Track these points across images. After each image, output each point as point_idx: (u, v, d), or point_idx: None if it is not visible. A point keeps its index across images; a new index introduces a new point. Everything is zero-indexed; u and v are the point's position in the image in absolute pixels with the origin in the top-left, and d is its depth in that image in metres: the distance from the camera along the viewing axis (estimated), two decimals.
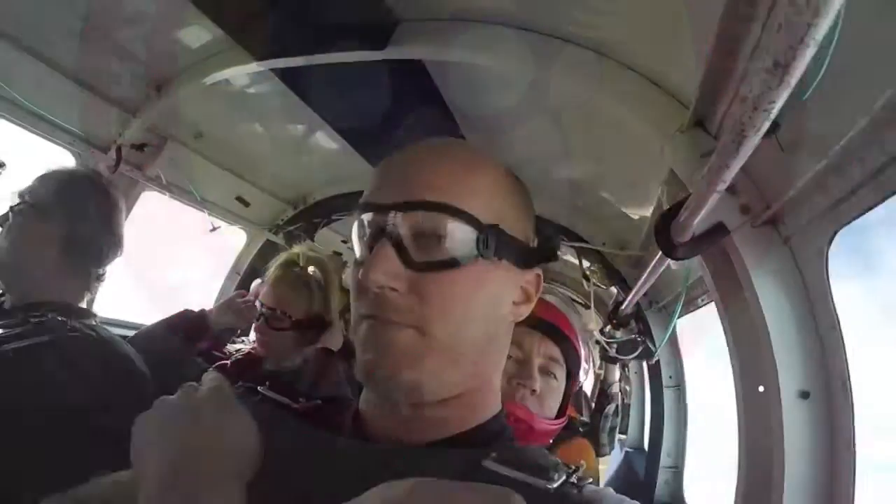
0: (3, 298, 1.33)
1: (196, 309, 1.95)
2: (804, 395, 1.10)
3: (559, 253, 0.74)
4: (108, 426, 1.08)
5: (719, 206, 1.20)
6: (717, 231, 1.21)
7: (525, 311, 0.72)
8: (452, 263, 0.62)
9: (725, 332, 1.37)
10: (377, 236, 0.63)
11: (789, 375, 1.12)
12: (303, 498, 0.60)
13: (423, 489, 0.50)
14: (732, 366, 1.34)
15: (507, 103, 2.02)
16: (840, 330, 1.07)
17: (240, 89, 2.25)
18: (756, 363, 1.21)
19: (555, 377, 1.38)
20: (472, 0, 1.48)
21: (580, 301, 3.39)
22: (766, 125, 0.75)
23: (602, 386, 2.91)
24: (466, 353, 0.64)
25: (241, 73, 1.96)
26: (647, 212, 2.11)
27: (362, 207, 0.66)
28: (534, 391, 1.32)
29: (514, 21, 1.48)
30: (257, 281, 2.24)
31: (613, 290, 2.66)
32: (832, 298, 1.08)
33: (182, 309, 1.92)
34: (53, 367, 1.11)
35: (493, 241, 0.63)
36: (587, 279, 2.51)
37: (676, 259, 1.27)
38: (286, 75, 1.83)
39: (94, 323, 1.30)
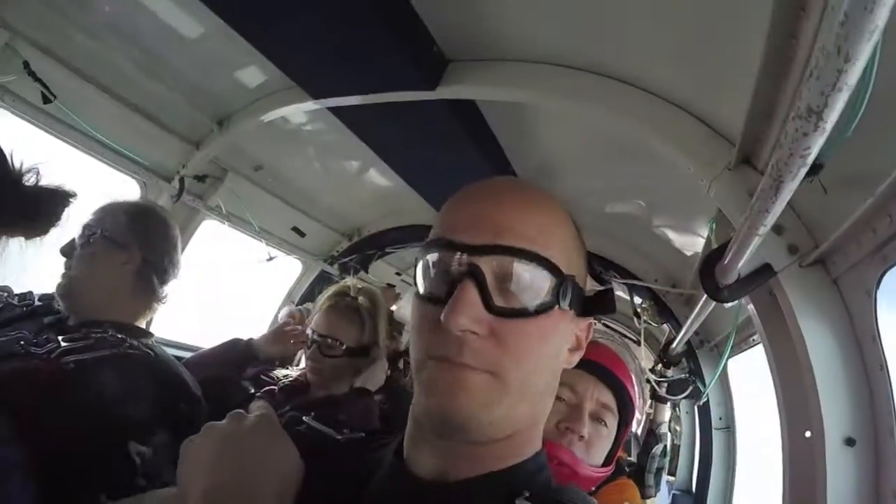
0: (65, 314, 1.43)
1: (245, 338, 2.01)
2: (850, 442, 1.06)
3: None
4: (157, 441, 1.16)
5: (765, 247, 1.19)
6: (764, 272, 1.20)
7: (576, 358, 0.72)
8: (532, 312, 0.62)
9: (772, 375, 1.33)
10: (461, 277, 0.61)
11: (836, 421, 1.08)
12: None
13: None
14: (779, 410, 1.30)
15: (557, 141, 2.07)
16: (888, 371, 1.03)
17: (297, 125, 2.38)
18: (803, 407, 1.17)
19: (605, 424, 1.32)
20: (519, 41, 1.54)
21: (632, 337, 3.32)
22: (803, 171, 0.76)
23: (651, 426, 2.83)
24: (528, 399, 0.64)
25: (299, 111, 2.09)
26: (699, 249, 2.08)
27: (437, 244, 0.65)
28: (581, 437, 1.27)
29: (561, 61, 1.53)
30: (285, 309, 2.28)
31: (665, 327, 2.60)
32: (881, 339, 1.05)
33: (232, 338, 2.00)
34: (110, 380, 1.18)
35: (568, 293, 0.64)
36: (638, 316, 2.47)
37: (721, 301, 1.25)
38: (342, 113, 1.94)
39: (151, 342, 1.39)
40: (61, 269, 1.41)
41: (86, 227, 1.39)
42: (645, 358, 2.65)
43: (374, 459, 0.72)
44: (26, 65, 1.86)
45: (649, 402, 2.85)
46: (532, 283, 0.61)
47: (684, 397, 2.43)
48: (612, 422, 1.33)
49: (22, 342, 1.26)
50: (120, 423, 1.14)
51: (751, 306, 1.39)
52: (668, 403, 2.66)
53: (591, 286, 0.72)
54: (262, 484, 0.63)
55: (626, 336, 3.48)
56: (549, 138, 2.05)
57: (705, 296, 1.59)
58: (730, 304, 1.40)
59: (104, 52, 1.96)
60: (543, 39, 1.51)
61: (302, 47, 1.61)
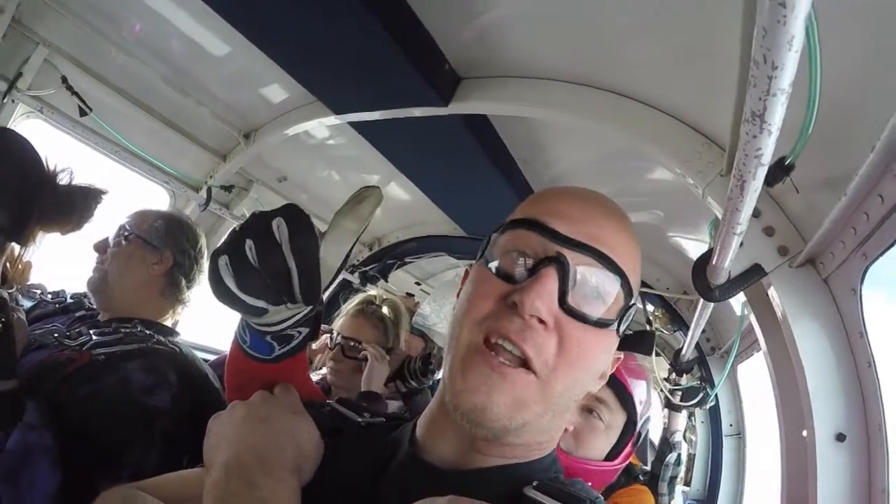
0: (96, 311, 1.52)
1: None
2: (841, 437, 1.09)
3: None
4: (180, 431, 1.22)
5: (756, 248, 1.25)
6: (754, 273, 1.24)
7: (599, 385, 0.72)
8: (600, 324, 0.63)
9: (770, 376, 1.36)
10: (547, 262, 0.61)
11: (827, 417, 1.12)
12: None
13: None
14: (777, 409, 1.33)
15: (569, 154, 2.14)
16: (875, 368, 1.06)
17: (320, 139, 2.51)
18: (799, 406, 1.20)
19: (599, 418, 1.34)
20: (524, 59, 1.63)
21: None
22: (762, 171, 0.82)
23: (665, 434, 2.82)
24: (556, 410, 0.64)
25: (321, 125, 2.21)
26: None
27: (530, 224, 0.65)
28: (566, 429, 1.29)
29: (563, 76, 1.61)
30: None
31: (679, 336, 2.62)
32: (867, 336, 1.08)
33: None
34: (138, 372, 1.24)
35: (628, 319, 0.66)
36: (650, 324, 2.50)
37: (711, 301, 1.30)
38: (361, 127, 2.06)
39: (177, 340, 1.47)
40: (92, 264, 1.49)
41: (122, 227, 1.49)
42: (658, 367, 2.65)
43: (394, 443, 0.74)
44: (64, 79, 2.02)
45: (665, 410, 2.86)
46: (607, 295, 0.63)
47: (694, 404, 2.43)
48: (609, 416, 1.36)
49: (55, 335, 1.34)
50: (145, 413, 1.20)
51: (750, 308, 1.43)
52: (683, 412, 2.66)
53: None
54: (280, 458, 0.65)
55: None
56: (560, 152, 2.12)
57: (701, 302, 1.65)
58: (738, 312, 1.43)
59: (137, 68, 2.10)
60: (546, 57, 1.60)
61: (322, 65, 1.73)
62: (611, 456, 1.39)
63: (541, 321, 0.60)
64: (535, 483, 0.62)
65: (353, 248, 0.78)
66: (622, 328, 0.65)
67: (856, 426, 1.09)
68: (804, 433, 1.19)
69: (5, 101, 1.94)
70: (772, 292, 1.25)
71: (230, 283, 0.66)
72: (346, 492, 0.67)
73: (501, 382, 0.59)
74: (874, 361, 1.08)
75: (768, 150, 0.78)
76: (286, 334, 0.81)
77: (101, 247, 1.49)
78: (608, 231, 0.65)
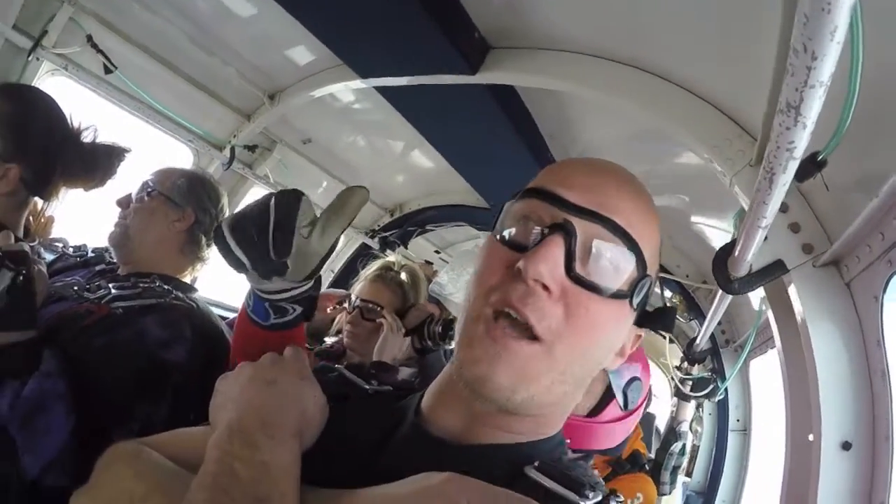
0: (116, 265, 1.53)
1: None
2: (846, 445, 1.07)
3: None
4: (192, 386, 1.22)
5: (781, 243, 1.20)
6: (776, 268, 1.20)
7: (618, 363, 0.71)
8: (608, 292, 0.61)
9: (782, 376, 1.33)
10: (554, 229, 0.60)
11: (835, 424, 1.09)
12: (353, 473, 0.62)
13: (454, 483, 0.54)
14: (785, 409, 1.31)
15: (597, 130, 2.08)
16: (889, 378, 1.03)
17: (345, 102, 2.48)
18: (808, 410, 1.17)
19: None
20: (558, 31, 1.57)
21: (661, 334, 3.30)
22: (792, 164, 0.78)
23: (671, 423, 2.81)
24: (568, 382, 0.63)
25: (347, 89, 2.18)
26: None
27: (538, 193, 0.64)
28: None
29: (598, 52, 1.55)
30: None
31: (694, 325, 2.59)
32: (885, 345, 1.04)
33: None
34: (155, 326, 1.24)
35: (643, 291, 0.64)
36: None
37: (730, 293, 1.27)
38: (387, 92, 2.02)
39: (195, 296, 1.47)
40: (115, 219, 1.50)
41: (145, 183, 1.49)
42: (670, 355, 2.63)
43: (399, 412, 0.74)
44: (89, 38, 2.01)
45: (673, 399, 2.85)
46: (618, 265, 0.61)
47: (704, 395, 2.41)
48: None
49: (75, 287, 1.34)
50: (160, 367, 1.21)
51: (769, 304, 1.39)
52: (692, 402, 2.65)
53: None
54: (283, 421, 0.65)
55: (659, 333, 3.46)
56: (588, 128, 2.07)
57: (720, 292, 1.61)
58: (755, 307, 1.39)
59: (162, 27, 2.08)
60: (581, 30, 1.54)
61: (349, 28, 1.69)
62: (594, 413, 1.38)
63: (545, 288, 0.58)
64: (536, 463, 0.61)
65: (339, 238, 0.89)
66: (636, 301, 0.63)
67: (862, 435, 1.06)
68: (810, 437, 1.17)
69: (30, 58, 1.94)
70: (792, 290, 1.20)
71: (226, 231, 0.80)
72: (347, 459, 0.67)
73: (505, 354, 0.58)
74: (888, 372, 1.04)
75: (801, 144, 0.74)
76: (281, 306, 0.90)
77: (123, 202, 1.49)
78: (620, 199, 0.63)
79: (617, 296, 0.61)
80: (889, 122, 0.94)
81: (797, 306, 1.19)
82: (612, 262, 0.61)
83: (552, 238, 0.59)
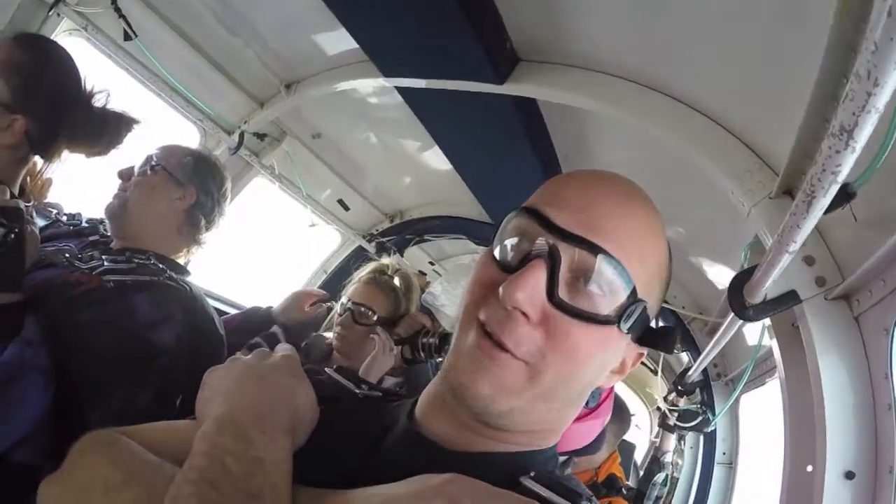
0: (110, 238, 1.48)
1: (265, 305, 2.08)
2: (850, 475, 1.08)
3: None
4: (178, 372, 1.18)
5: (794, 274, 1.23)
6: (789, 297, 1.23)
7: (616, 380, 0.70)
8: (593, 319, 0.59)
9: (784, 406, 1.35)
10: (537, 255, 0.60)
11: (838, 454, 1.10)
12: (344, 474, 0.62)
13: (457, 483, 0.53)
14: (784, 441, 1.32)
15: (609, 154, 2.12)
16: (895, 411, 1.05)
17: (361, 99, 2.46)
18: (808, 440, 1.19)
19: None
20: (590, 50, 1.61)
21: (648, 366, 3.33)
22: (834, 188, 0.81)
23: (655, 453, 2.83)
24: (557, 402, 0.63)
25: (367, 86, 2.17)
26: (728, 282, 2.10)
27: (529, 212, 0.63)
28: None
29: (627, 74, 1.59)
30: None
31: (684, 357, 2.62)
32: (893, 378, 1.07)
33: (252, 305, 2.08)
34: (145, 304, 1.20)
35: (634, 316, 0.62)
36: None
37: (745, 320, 1.29)
38: (408, 94, 2.03)
39: (188, 280, 1.43)
40: (114, 191, 1.45)
41: (150, 157, 1.45)
42: (655, 388, 2.65)
43: (391, 417, 0.73)
44: (113, 0, 1.96)
45: (657, 430, 2.86)
46: (605, 291, 0.60)
47: (691, 427, 2.43)
48: None
49: (67, 254, 1.30)
50: (147, 348, 1.16)
51: (774, 340, 1.42)
52: (675, 435, 2.66)
53: None
54: (276, 418, 0.63)
55: (645, 365, 3.49)
56: (602, 151, 2.11)
57: (726, 323, 1.64)
58: (750, 342, 1.42)
59: (189, 0, 2.05)
60: (612, 51, 1.58)
61: (382, 23, 1.70)
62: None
63: (524, 314, 0.58)
64: (532, 474, 0.61)
65: None
66: (624, 326, 0.61)
67: (866, 465, 1.08)
68: (808, 468, 1.19)
69: (51, 13, 1.90)
70: (802, 322, 1.23)
71: None
72: (339, 460, 0.66)
73: (489, 365, 0.58)
74: (895, 404, 1.06)
75: (846, 168, 0.76)
76: None
77: (125, 174, 1.45)
78: (611, 219, 0.61)
79: (603, 322, 0.60)
80: None
81: (806, 338, 1.21)
82: (598, 289, 0.59)
83: (535, 263, 0.58)
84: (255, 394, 0.65)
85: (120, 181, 1.45)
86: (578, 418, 1.38)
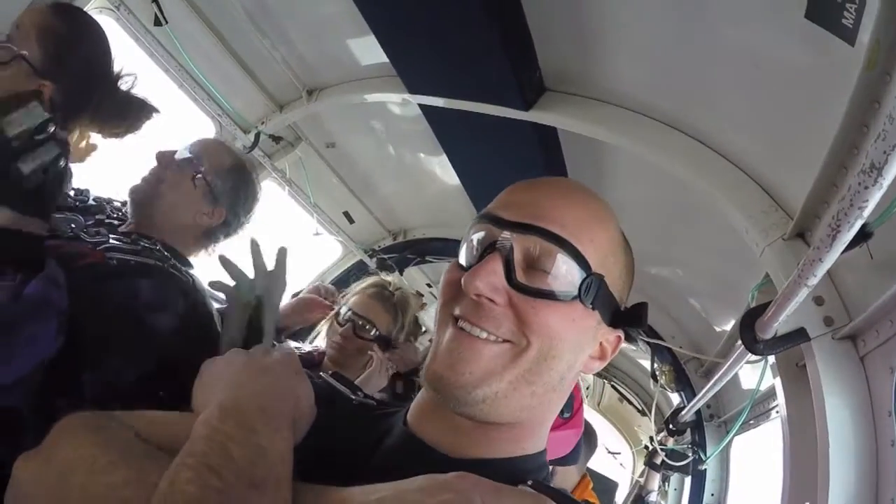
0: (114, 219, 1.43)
1: None
2: None
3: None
4: (171, 362, 1.12)
5: (804, 313, 1.27)
6: (798, 335, 1.26)
7: (597, 367, 0.74)
8: (552, 296, 0.64)
9: (784, 444, 1.37)
10: (490, 248, 0.65)
11: (839, 490, 1.12)
12: (341, 474, 0.61)
13: (466, 479, 0.55)
14: (784, 479, 1.34)
15: (623, 192, 2.18)
16: None
17: (380, 115, 2.49)
18: (809, 478, 1.21)
19: None
20: (616, 86, 1.68)
21: (637, 405, 3.35)
22: (859, 223, 0.85)
23: (640, 492, 2.83)
24: (538, 384, 0.66)
25: (387, 101, 2.18)
26: (728, 325, 2.14)
27: (482, 217, 0.70)
28: None
29: (649, 112, 1.66)
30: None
31: (675, 398, 2.64)
32: None
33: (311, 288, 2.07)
34: (147, 288, 1.17)
35: (594, 290, 0.66)
36: (655, 379, 2.51)
37: (756, 354, 1.32)
38: (430, 112, 2.06)
39: (193, 273, 1.37)
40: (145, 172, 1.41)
41: (196, 160, 1.40)
42: (643, 429, 2.67)
43: (385, 423, 0.74)
44: None
45: (643, 468, 2.86)
46: (558, 268, 0.64)
47: (679, 467, 2.44)
48: None
49: (73, 225, 1.26)
50: (144, 328, 1.13)
51: (778, 379, 1.45)
52: (660, 475, 2.66)
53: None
54: (279, 409, 0.64)
55: (632, 403, 3.50)
56: (616, 187, 2.17)
57: (728, 363, 1.67)
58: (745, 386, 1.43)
59: None
60: (637, 88, 1.65)
61: (415, 39, 1.74)
62: None
63: (490, 300, 0.63)
64: (530, 482, 0.63)
65: None
66: (587, 299, 0.66)
67: (867, 501, 1.10)
68: None
69: None
70: (809, 360, 1.27)
71: None
72: (336, 460, 0.67)
73: (468, 355, 0.63)
74: None
75: (872, 203, 0.81)
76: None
77: (165, 159, 1.41)
78: (554, 208, 0.67)
79: (564, 297, 0.64)
80: None
81: (812, 376, 1.25)
82: (552, 266, 0.64)
83: (490, 255, 0.64)
84: (258, 385, 0.66)
85: (156, 163, 1.40)
86: (555, 427, 1.41)
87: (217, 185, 1.41)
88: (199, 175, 1.39)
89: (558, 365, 0.66)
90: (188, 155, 1.41)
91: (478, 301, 0.63)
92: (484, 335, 0.64)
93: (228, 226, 1.47)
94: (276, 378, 0.68)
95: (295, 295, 2.11)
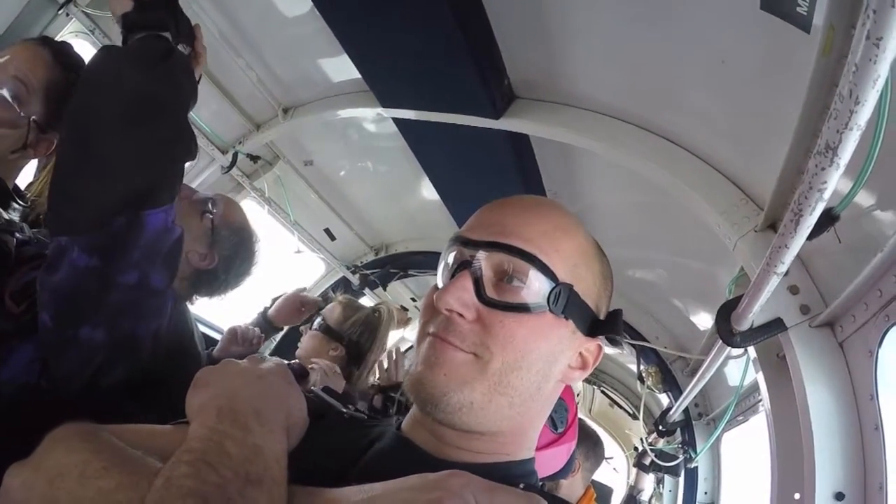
0: None
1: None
2: (839, 496, 1.10)
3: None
4: (142, 370, 1.09)
5: (780, 303, 1.28)
6: (775, 325, 1.27)
7: (579, 377, 0.76)
8: (522, 308, 0.66)
9: (769, 436, 1.37)
10: (461, 267, 0.69)
11: (827, 478, 1.12)
12: (330, 482, 0.61)
13: (458, 477, 0.55)
14: (771, 470, 1.33)
15: (598, 195, 2.20)
16: (882, 431, 1.07)
17: (356, 130, 2.51)
18: (796, 467, 1.21)
19: None
20: (584, 90, 1.70)
21: (628, 410, 3.34)
22: (821, 206, 0.86)
23: (631, 492, 2.85)
24: (513, 394, 0.67)
25: (362, 116, 2.20)
26: (711, 322, 2.15)
27: (453, 240, 0.73)
28: None
29: (618, 114, 1.68)
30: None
31: (664, 399, 2.63)
32: (878, 399, 1.09)
33: (231, 326, 2.03)
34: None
35: (563, 299, 0.68)
36: (642, 381, 2.50)
37: (733, 346, 1.32)
38: (403, 125, 2.08)
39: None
40: None
41: (210, 201, 1.39)
42: (635, 432, 2.66)
43: (377, 432, 0.76)
44: None
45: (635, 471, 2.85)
46: (524, 281, 0.67)
47: (667, 468, 2.43)
48: None
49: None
50: (127, 336, 1.08)
51: (760, 373, 1.45)
52: (652, 475, 2.65)
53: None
54: (273, 414, 0.65)
55: (622, 408, 3.49)
56: (590, 190, 2.19)
57: (709, 358, 1.67)
58: (731, 383, 1.44)
59: (197, 16, 1.93)
60: (605, 92, 1.67)
61: (385, 53, 1.76)
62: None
63: (462, 315, 0.66)
64: (521, 485, 0.64)
65: None
66: (556, 309, 0.67)
67: (856, 486, 1.10)
68: (796, 496, 1.20)
69: (60, 13, 1.89)
70: (788, 350, 1.27)
71: None
72: (327, 465, 0.67)
73: (441, 360, 0.66)
74: (882, 424, 1.08)
75: (831, 185, 0.81)
76: None
77: (184, 192, 1.32)
78: (517, 225, 0.70)
79: (534, 308, 0.67)
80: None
81: (792, 365, 1.25)
82: (521, 282, 0.67)
83: (460, 274, 0.68)
84: (253, 391, 0.67)
85: None
86: (545, 445, 1.40)
87: (221, 233, 1.39)
88: (210, 215, 1.38)
89: (528, 375, 0.68)
90: (209, 195, 1.41)
91: (449, 316, 0.67)
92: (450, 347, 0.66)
93: (215, 279, 1.42)
94: (269, 385, 0.70)
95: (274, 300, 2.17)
